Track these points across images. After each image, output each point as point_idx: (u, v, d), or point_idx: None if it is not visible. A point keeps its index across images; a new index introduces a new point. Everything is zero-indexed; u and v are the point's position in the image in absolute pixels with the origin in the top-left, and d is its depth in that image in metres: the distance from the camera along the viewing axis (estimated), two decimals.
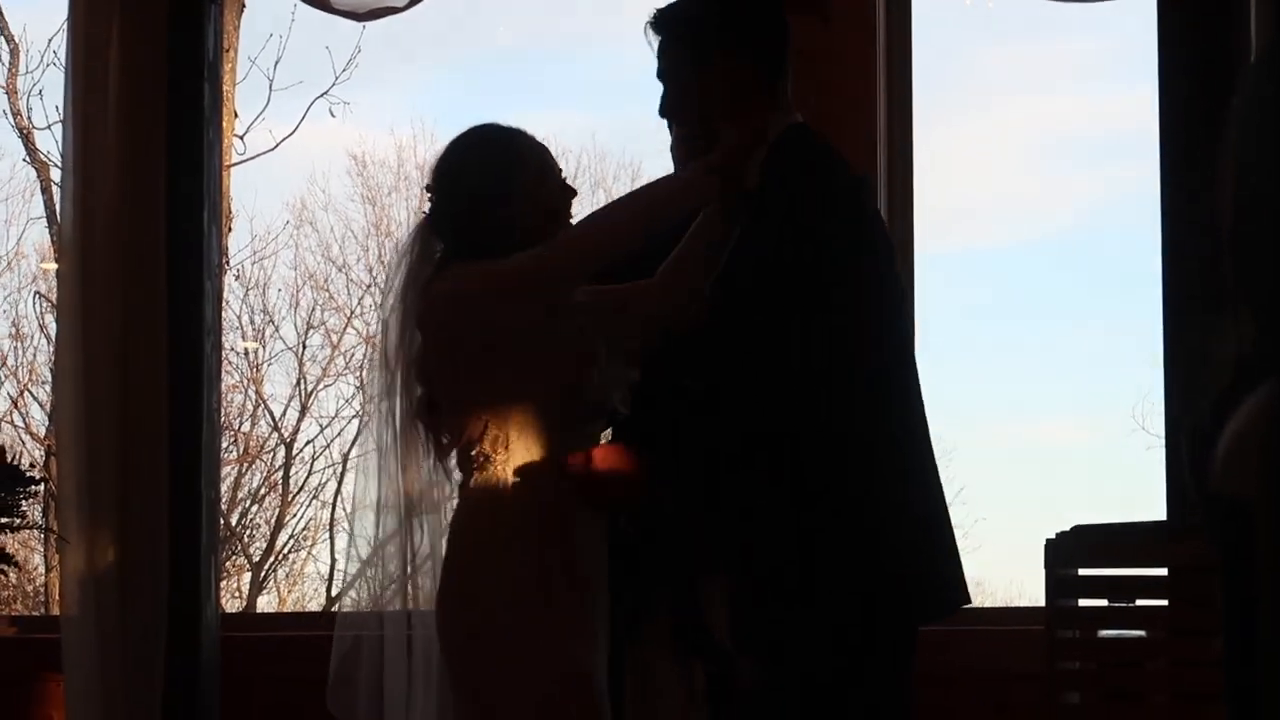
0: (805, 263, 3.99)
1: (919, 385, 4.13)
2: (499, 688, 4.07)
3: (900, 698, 4.06)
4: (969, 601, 4.16)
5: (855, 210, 4.14)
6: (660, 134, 4.61)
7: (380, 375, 4.33)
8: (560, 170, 4.26)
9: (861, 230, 4.11)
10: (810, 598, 3.94)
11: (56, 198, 7.61)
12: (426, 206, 4.29)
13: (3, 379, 14.13)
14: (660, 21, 4.24)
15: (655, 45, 4.25)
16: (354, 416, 14.64)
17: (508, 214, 4.13)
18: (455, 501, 4.26)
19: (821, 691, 3.96)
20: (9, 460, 5.06)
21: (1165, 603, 5.01)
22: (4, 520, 4.92)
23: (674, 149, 4.60)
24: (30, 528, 5.34)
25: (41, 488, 5.16)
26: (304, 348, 14.87)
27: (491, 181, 4.15)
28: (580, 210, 4.31)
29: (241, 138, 12.76)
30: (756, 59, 4.19)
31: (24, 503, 5.02)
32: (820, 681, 3.96)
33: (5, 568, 4.96)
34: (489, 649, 4.07)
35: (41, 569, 13.83)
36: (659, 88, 4.31)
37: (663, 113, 4.30)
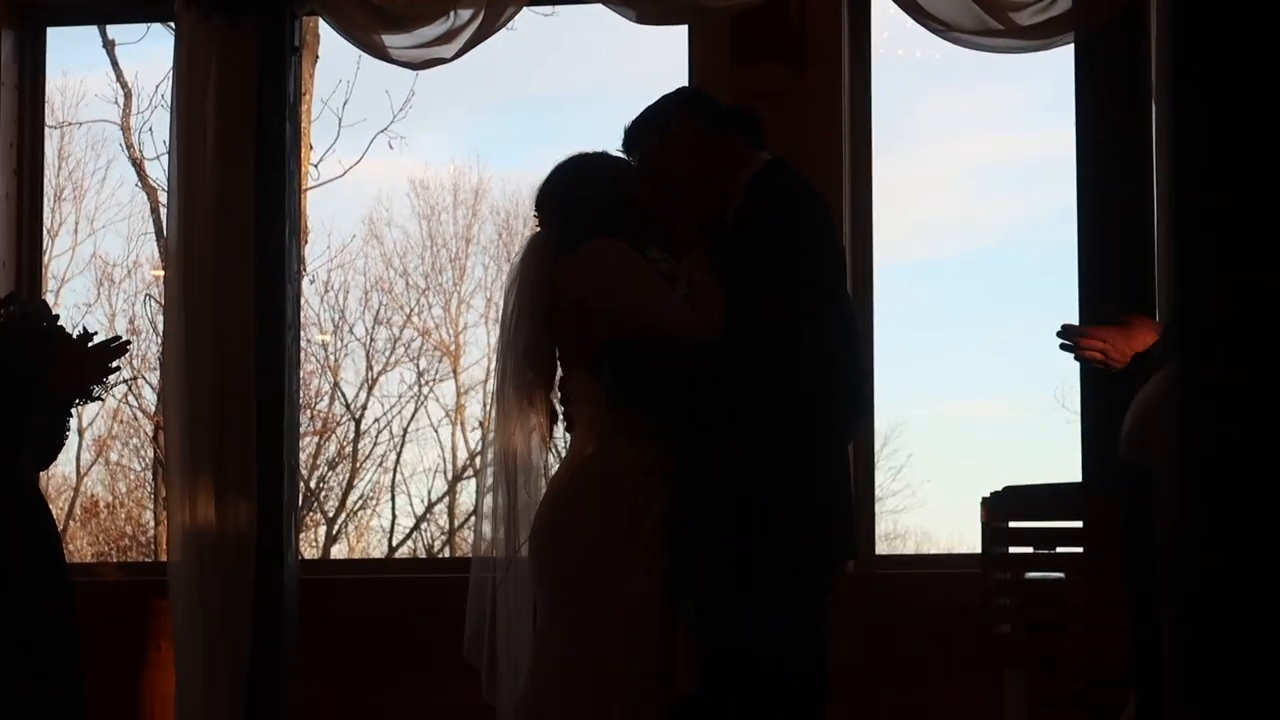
0: (781, 271, 4.01)
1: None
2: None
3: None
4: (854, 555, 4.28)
5: (822, 225, 4.16)
6: None
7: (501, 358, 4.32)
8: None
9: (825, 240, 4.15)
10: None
11: (164, 217, 7.63)
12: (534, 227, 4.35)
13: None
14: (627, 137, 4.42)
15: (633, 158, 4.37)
16: (411, 398, 14.67)
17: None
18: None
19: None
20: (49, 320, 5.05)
21: (1080, 550, 5.01)
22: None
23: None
24: (117, 384, 5.28)
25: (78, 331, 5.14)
26: (371, 340, 14.90)
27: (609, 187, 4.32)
28: None
29: (316, 166, 12.79)
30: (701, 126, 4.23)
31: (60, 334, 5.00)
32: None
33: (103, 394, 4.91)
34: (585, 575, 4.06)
35: (151, 523, 13.87)
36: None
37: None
